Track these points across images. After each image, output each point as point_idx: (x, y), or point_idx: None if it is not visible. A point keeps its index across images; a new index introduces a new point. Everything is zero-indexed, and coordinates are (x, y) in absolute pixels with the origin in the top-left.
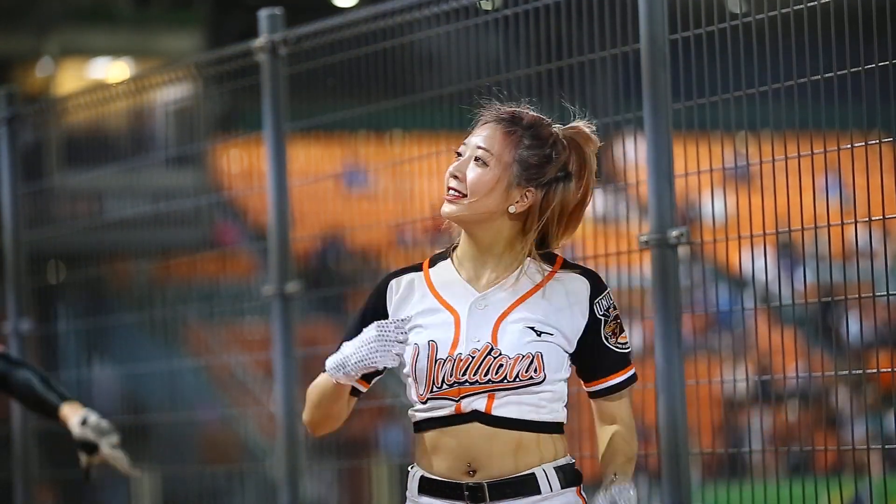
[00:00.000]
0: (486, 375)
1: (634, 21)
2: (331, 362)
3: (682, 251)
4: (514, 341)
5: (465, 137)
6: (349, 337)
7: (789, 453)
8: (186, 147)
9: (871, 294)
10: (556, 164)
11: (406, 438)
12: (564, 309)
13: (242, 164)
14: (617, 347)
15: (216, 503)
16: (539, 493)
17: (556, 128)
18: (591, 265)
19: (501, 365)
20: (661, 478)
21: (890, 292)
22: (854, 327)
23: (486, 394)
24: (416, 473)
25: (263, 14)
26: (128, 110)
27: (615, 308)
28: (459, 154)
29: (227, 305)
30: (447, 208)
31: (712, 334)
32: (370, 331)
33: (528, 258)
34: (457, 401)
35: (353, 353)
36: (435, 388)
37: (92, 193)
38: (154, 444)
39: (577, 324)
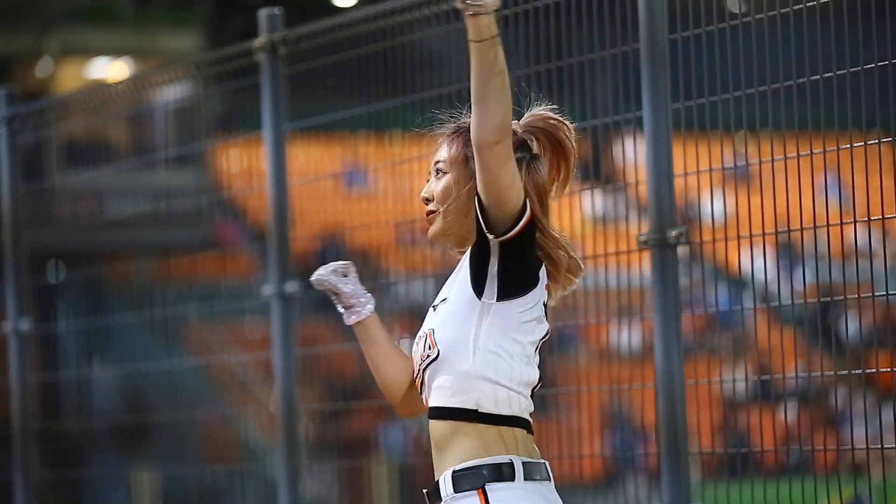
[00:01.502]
0: (415, 365)
1: (634, 21)
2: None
3: (682, 251)
4: (427, 324)
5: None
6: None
7: (789, 453)
8: (186, 147)
9: (871, 294)
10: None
11: (406, 438)
12: (458, 274)
13: (242, 163)
14: None
15: (216, 503)
16: (440, 499)
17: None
18: (590, 265)
19: (417, 356)
20: (661, 478)
21: (889, 292)
22: (853, 327)
23: (421, 382)
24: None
25: (263, 14)
26: (128, 110)
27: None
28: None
29: (227, 305)
30: (430, 231)
31: (712, 334)
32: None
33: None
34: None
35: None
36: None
37: (92, 193)
38: (154, 443)
39: (463, 272)
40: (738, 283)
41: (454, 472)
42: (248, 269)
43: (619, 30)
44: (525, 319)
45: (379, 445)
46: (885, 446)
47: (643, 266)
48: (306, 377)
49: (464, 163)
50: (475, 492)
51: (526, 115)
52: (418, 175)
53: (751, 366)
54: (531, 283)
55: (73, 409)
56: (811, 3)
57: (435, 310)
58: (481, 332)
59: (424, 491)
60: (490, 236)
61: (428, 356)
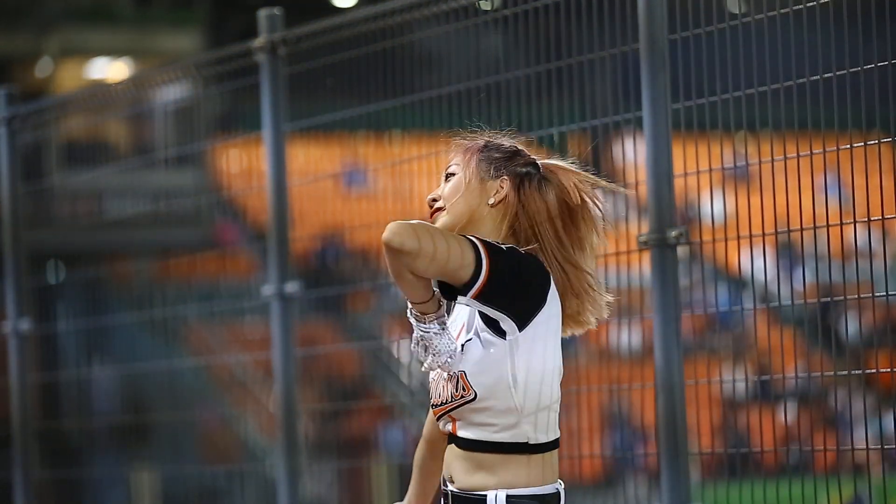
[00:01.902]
0: (439, 396)
1: (634, 21)
2: None
3: (682, 251)
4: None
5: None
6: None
7: (789, 453)
8: (186, 147)
9: (871, 294)
10: (523, 156)
11: (406, 438)
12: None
13: (242, 163)
14: None
15: (216, 503)
16: None
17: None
18: None
19: (439, 386)
20: (661, 478)
21: (889, 292)
22: (853, 327)
23: (447, 414)
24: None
25: (263, 14)
26: (128, 110)
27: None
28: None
29: (226, 305)
30: (435, 224)
31: (712, 334)
32: None
33: None
34: (437, 419)
35: None
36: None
37: (92, 193)
38: (154, 443)
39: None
40: (738, 283)
41: (509, 497)
42: (248, 269)
43: (619, 30)
44: (554, 326)
45: (379, 445)
46: (885, 446)
47: (643, 266)
48: (306, 377)
49: (475, 164)
50: None
51: (555, 163)
52: (418, 175)
53: (751, 366)
54: (540, 296)
55: (73, 409)
56: (811, 3)
57: (462, 348)
58: (519, 367)
59: (452, 491)
60: (463, 299)
61: (462, 397)
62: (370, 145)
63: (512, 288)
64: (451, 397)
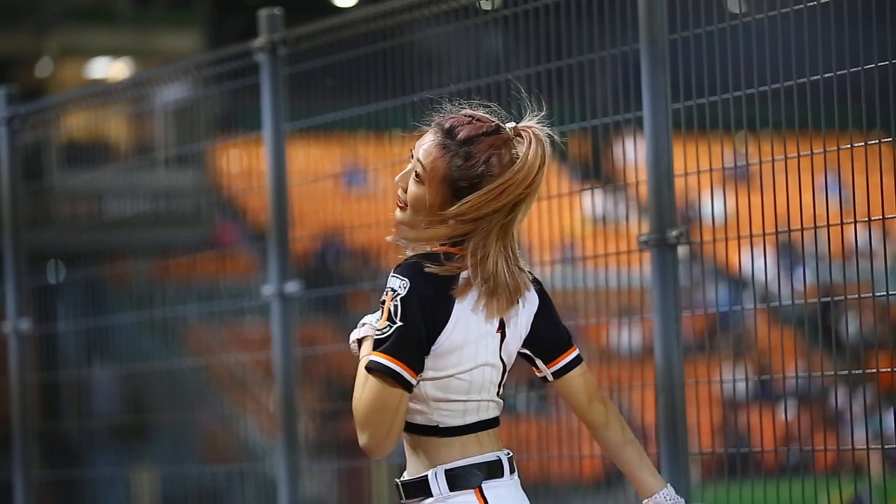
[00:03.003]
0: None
1: (634, 21)
2: None
3: (682, 251)
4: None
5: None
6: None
7: (789, 453)
8: (186, 147)
9: (871, 294)
10: (487, 181)
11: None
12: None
13: (242, 163)
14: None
15: (216, 503)
16: (431, 495)
17: (509, 127)
18: (590, 265)
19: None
20: None
21: (889, 292)
22: (853, 327)
23: None
24: None
25: (263, 14)
26: (128, 110)
27: (389, 292)
28: (412, 157)
29: (226, 305)
30: (397, 214)
31: (712, 334)
32: None
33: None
34: None
35: None
36: None
37: (92, 193)
38: (154, 443)
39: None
40: (738, 283)
41: (448, 469)
42: (248, 269)
43: (619, 30)
44: (461, 336)
45: None
46: (885, 446)
47: (643, 266)
48: (306, 377)
49: (440, 184)
50: (471, 491)
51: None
52: None
53: (751, 366)
54: (435, 327)
55: (73, 409)
56: (811, 3)
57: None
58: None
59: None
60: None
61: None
62: (370, 145)
63: (415, 342)
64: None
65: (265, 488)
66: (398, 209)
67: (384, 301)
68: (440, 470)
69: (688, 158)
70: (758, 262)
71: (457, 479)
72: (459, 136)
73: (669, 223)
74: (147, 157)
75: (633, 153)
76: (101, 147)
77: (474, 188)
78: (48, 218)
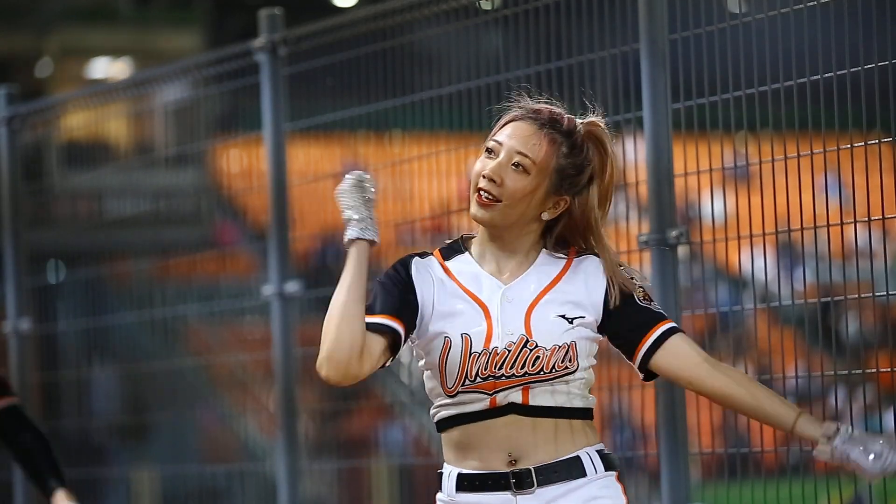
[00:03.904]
0: (522, 368)
1: (634, 21)
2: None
3: (682, 251)
4: (549, 331)
5: (490, 133)
6: (380, 306)
7: (789, 453)
8: (186, 147)
9: (871, 294)
10: (588, 170)
11: (406, 438)
12: (583, 289)
13: (242, 163)
14: (652, 307)
15: (216, 503)
16: (585, 474)
17: (578, 123)
18: None
19: (538, 357)
20: (661, 478)
21: (890, 292)
22: (853, 327)
23: (521, 386)
24: (451, 472)
25: (263, 14)
26: (128, 110)
27: (640, 279)
28: (490, 151)
29: (227, 305)
30: (479, 212)
31: (712, 334)
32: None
33: (544, 249)
34: (491, 394)
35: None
36: (468, 382)
37: (92, 193)
38: (154, 444)
39: (595, 298)
40: (738, 283)
41: (598, 451)
42: (248, 269)
43: (619, 30)
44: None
45: (379, 445)
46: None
47: (643, 266)
48: (306, 377)
49: (548, 174)
50: (613, 475)
51: (588, 122)
52: (418, 175)
53: (751, 366)
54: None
55: (73, 409)
56: (811, 3)
57: (572, 322)
58: (595, 349)
59: (532, 468)
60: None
61: (566, 368)
62: (370, 145)
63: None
64: (554, 367)
65: (265, 488)
66: (479, 207)
67: (640, 287)
68: (591, 449)
69: (688, 158)
70: (758, 262)
71: (609, 458)
72: (564, 126)
73: (669, 223)
74: (147, 156)
75: (633, 153)
76: (101, 147)
77: (580, 175)
78: (48, 218)
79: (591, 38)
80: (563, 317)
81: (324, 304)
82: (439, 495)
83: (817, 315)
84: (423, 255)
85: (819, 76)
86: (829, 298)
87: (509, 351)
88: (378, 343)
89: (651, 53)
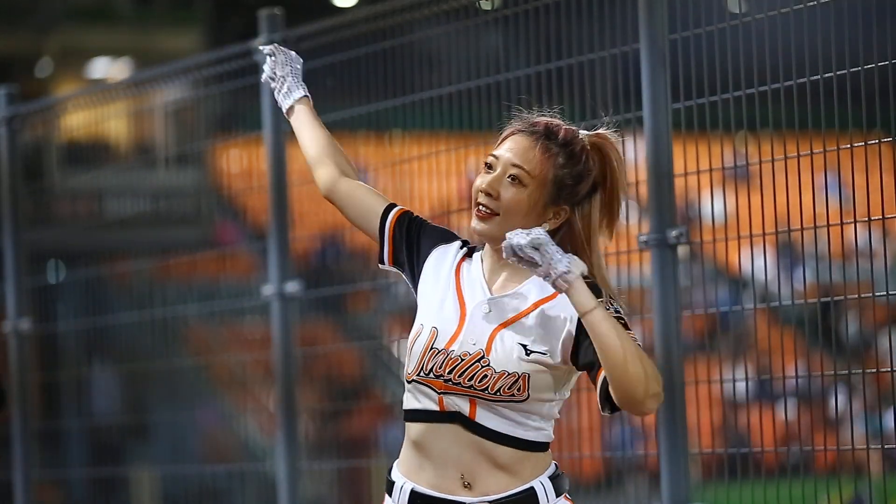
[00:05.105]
0: (469, 381)
1: (634, 21)
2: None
3: (682, 251)
4: (503, 356)
5: (493, 143)
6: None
7: (789, 453)
8: (186, 147)
9: (871, 294)
10: (588, 180)
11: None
12: (561, 322)
13: (242, 163)
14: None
15: (216, 503)
16: None
17: (583, 135)
18: None
19: (486, 375)
20: (661, 478)
21: (890, 292)
22: (853, 327)
23: (468, 398)
24: (404, 484)
25: (263, 14)
26: (128, 110)
27: (618, 310)
28: (489, 166)
29: (227, 305)
30: (479, 226)
31: (712, 334)
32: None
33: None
34: (439, 393)
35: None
36: (422, 373)
37: (92, 193)
38: (154, 444)
39: (566, 337)
40: (738, 283)
41: (551, 477)
42: (248, 269)
43: (619, 30)
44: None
45: (379, 445)
46: (885, 446)
47: (643, 266)
48: (306, 377)
49: (545, 185)
50: (562, 498)
51: (594, 134)
52: (418, 175)
53: (751, 366)
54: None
55: (73, 409)
56: (811, 3)
57: (528, 354)
58: (561, 387)
59: (488, 501)
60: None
61: (512, 396)
62: (370, 145)
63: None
64: (499, 391)
65: (265, 488)
66: (479, 219)
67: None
68: (544, 478)
69: (688, 158)
70: (758, 262)
71: (560, 481)
72: (560, 136)
73: (669, 223)
74: (147, 157)
75: (633, 153)
76: (101, 147)
77: (578, 185)
78: (48, 218)
79: (591, 38)
80: (524, 346)
81: (324, 304)
82: (389, 500)
83: (817, 315)
84: (462, 242)
85: (819, 76)
86: (829, 298)
87: (462, 359)
88: (368, 195)
89: (651, 53)
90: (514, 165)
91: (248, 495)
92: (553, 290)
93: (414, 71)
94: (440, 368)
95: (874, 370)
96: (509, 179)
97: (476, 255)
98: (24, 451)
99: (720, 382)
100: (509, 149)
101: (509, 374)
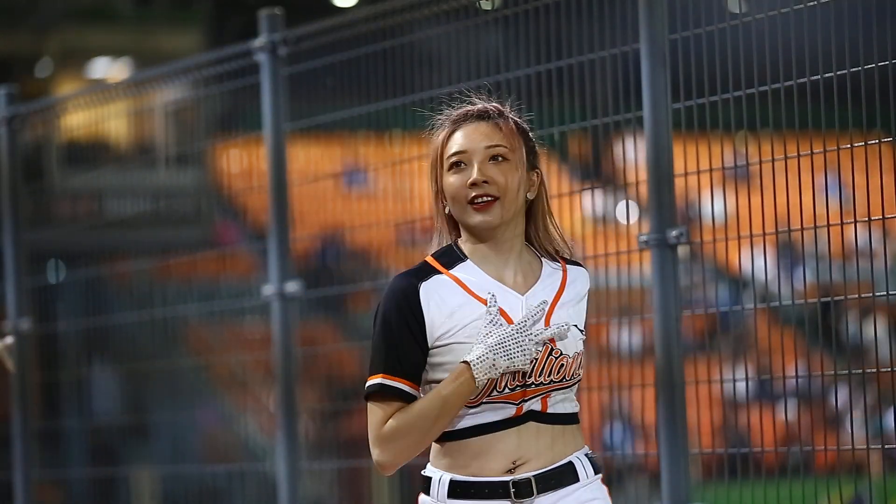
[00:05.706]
0: (549, 376)
1: (634, 21)
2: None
3: (682, 251)
4: (570, 341)
5: (437, 155)
6: (396, 367)
7: (789, 453)
8: (186, 147)
9: (871, 294)
10: (536, 144)
11: None
12: (581, 302)
13: (242, 163)
14: None
15: (216, 503)
16: (578, 479)
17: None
18: (590, 265)
19: (563, 365)
20: (661, 478)
21: (890, 292)
22: (853, 327)
23: (543, 394)
24: (441, 477)
25: (263, 14)
26: (128, 110)
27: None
28: (457, 164)
29: (227, 305)
30: (484, 216)
31: (712, 334)
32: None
33: (542, 256)
34: (517, 404)
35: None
36: (495, 393)
37: (92, 193)
38: (154, 444)
39: (581, 311)
40: (738, 283)
41: (587, 455)
42: (248, 269)
43: (619, 30)
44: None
45: None
46: (886, 446)
47: (643, 266)
48: (306, 377)
49: (520, 151)
50: (599, 477)
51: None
52: (418, 175)
53: (751, 366)
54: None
55: (74, 409)
56: (811, 3)
57: (582, 332)
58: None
59: (531, 476)
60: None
61: (579, 375)
62: (371, 145)
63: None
64: (574, 375)
65: (265, 488)
66: (481, 213)
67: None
68: (581, 454)
69: (688, 158)
70: (758, 262)
71: (595, 461)
72: (505, 112)
73: (669, 223)
74: (147, 156)
75: (633, 153)
76: (101, 147)
77: (534, 148)
78: (48, 218)
79: (591, 38)
80: (576, 326)
81: (324, 304)
82: (425, 498)
83: (817, 315)
84: (424, 274)
85: (819, 76)
86: (829, 298)
87: (535, 360)
88: (398, 406)
89: (651, 53)
90: (490, 147)
91: (248, 495)
92: (562, 270)
93: (414, 71)
94: (515, 380)
95: (874, 370)
96: (494, 161)
97: (461, 265)
98: (24, 451)
99: (720, 382)
100: (473, 138)
101: (578, 353)
